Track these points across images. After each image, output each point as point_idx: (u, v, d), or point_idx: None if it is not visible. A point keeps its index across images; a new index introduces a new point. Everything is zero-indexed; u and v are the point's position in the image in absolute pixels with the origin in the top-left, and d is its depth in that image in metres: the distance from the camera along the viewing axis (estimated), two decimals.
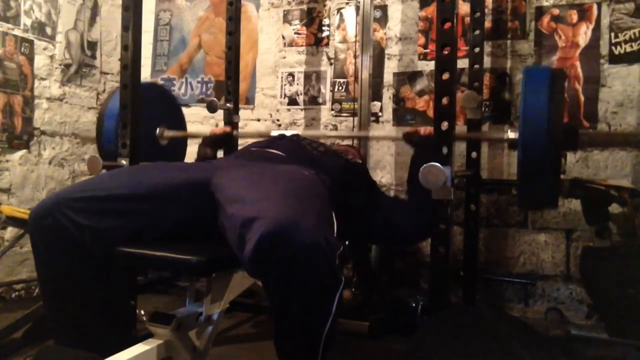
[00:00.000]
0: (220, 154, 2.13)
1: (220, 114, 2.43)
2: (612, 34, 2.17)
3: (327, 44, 2.70)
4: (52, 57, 2.64)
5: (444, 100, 1.42)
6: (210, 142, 1.96)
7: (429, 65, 2.44)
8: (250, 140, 2.02)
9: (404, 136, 1.67)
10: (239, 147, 2.33)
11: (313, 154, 1.60)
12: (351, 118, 2.60)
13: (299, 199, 1.09)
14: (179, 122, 2.29)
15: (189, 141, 2.35)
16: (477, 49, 2.18)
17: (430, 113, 2.34)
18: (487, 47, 2.33)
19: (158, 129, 2.09)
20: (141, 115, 1.81)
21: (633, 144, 2.02)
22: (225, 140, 2.05)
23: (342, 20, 2.67)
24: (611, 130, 2.17)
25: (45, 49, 2.60)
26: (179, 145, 2.29)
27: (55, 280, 1.23)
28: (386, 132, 2.54)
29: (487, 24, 2.31)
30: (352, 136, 2.53)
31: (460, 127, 2.19)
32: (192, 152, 2.94)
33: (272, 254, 0.94)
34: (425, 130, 1.61)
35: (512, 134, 1.42)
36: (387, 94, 2.56)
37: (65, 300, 1.24)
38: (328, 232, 1.05)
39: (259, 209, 1.01)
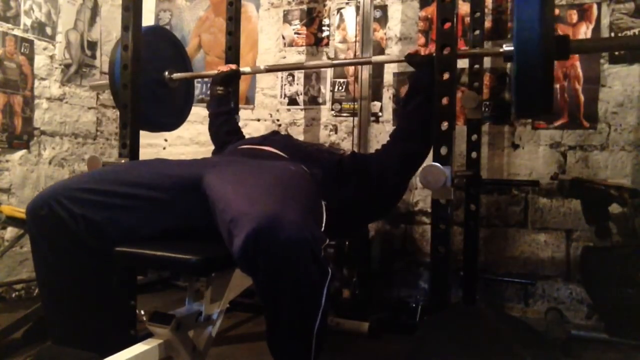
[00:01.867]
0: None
1: None
2: (612, 34, 2.17)
3: (327, 44, 2.70)
4: (52, 57, 2.64)
5: (444, 100, 1.42)
6: (219, 80, 2.02)
7: None
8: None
9: (407, 57, 1.68)
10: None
11: (307, 149, 1.60)
12: (351, 118, 2.60)
13: (285, 194, 1.10)
14: (185, 64, 2.30)
15: (189, 147, 2.35)
16: (477, 49, 2.17)
17: None
18: (487, 47, 2.32)
19: (166, 72, 2.11)
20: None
21: (624, 46, 1.98)
22: (233, 77, 2.08)
23: (342, 20, 2.67)
24: (610, 133, 2.17)
25: (45, 49, 2.60)
26: (188, 86, 2.33)
27: (53, 276, 1.23)
28: (389, 57, 2.51)
29: (487, 24, 2.31)
30: (354, 62, 2.49)
31: (461, 127, 2.20)
32: (191, 152, 2.94)
33: (258, 250, 0.95)
34: (426, 50, 1.65)
35: (507, 47, 1.45)
36: (387, 94, 2.56)
37: (64, 299, 1.23)
38: (313, 225, 1.06)
39: (246, 205, 1.01)
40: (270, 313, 1.06)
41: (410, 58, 1.66)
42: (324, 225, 1.20)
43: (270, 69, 2.16)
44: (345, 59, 2.64)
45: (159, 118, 2.16)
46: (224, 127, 2.01)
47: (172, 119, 2.28)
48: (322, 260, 1.01)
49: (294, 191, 1.15)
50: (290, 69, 2.71)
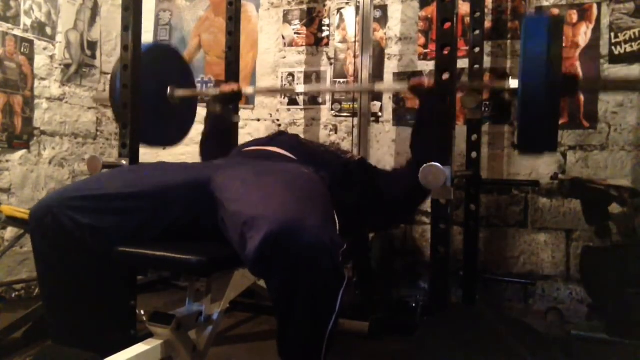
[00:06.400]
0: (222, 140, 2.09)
1: None
2: (612, 34, 2.17)
3: (327, 44, 2.70)
4: (52, 57, 2.63)
5: None
6: (220, 99, 2.00)
7: (429, 65, 2.44)
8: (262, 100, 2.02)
9: (410, 87, 1.69)
10: (239, 143, 2.35)
11: (314, 151, 1.60)
12: (351, 118, 2.60)
13: (302, 198, 1.09)
14: (189, 82, 2.28)
15: (189, 147, 2.35)
16: (477, 49, 2.18)
17: None
18: (487, 47, 2.33)
19: (169, 89, 2.08)
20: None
21: (630, 87, 2.01)
22: (234, 98, 2.07)
23: (342, 20, 2.67)
24: (610, 133, 2.17)
25: (45, 49, 2.60)
26: (189, 106, 2.31)
27: (55, 279, 1.23)
28: (391, 85, 2.53)
29: (487, 24, 2.31)
30: (355, 90, 2.49)
31: (461, 127, 2.20)
32: (191, 152, 2.94)
33: (276, 253, 0.94)
34: (429, 81, 1.62)
35: (513, 82, 1.44)
36: (387, 94, 2.56)
37: (65, 299, 1.24)
38: (332, 230, 1.06)
39: (262, 208, 1.01)
40: (283, 316, 1.05)
41: (414, 89, 1.68)
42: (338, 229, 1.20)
43: (271, 90, 2.14)
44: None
45: (160, 134, 2.14)
46: (217, 150, 1.88)
47: (172, 135, 2.26)
48: (340, 265, 1.01)
49: (310, 195, 1.15)
50: (288, 90, 2.68)
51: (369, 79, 2.35)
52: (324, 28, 2.70)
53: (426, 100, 1.61)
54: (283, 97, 2.77)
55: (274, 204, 1.02)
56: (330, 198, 1.23)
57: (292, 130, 2.72)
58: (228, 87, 2.01)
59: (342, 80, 2.65)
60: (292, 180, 1.21)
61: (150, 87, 1.96)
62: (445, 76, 1.42)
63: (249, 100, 2.83)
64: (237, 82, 2.36)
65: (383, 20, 2.57)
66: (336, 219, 1.16)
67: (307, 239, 0.94)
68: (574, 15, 2.24)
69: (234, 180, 1.20)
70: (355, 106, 2.53)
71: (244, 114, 2.67)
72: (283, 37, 2.78)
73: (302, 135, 2.68)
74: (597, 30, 2.20)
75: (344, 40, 2.66)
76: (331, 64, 2.68)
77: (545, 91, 1.29)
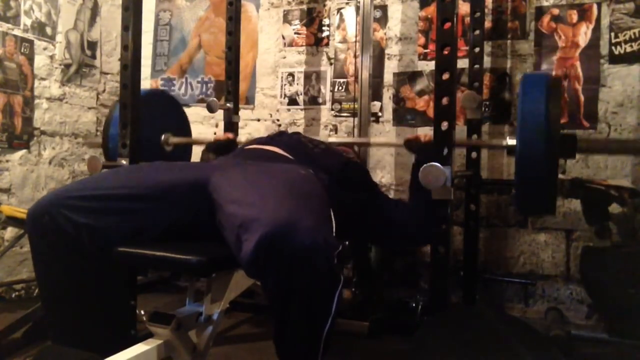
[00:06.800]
0: None
1: (220, 113, 2.43)
2: (612, 34, 2.17)
3: (327, 44, 2.70)
4: (52, 57, 2.63)
5: (444, 100, 1.42)
6: (214, 148, 1.96)
7: (429, 65, 2.44)
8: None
9: (405, 143, 1.68)
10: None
11: (313, 151, 1.60)
12: (351, 118, 2.60)
13: (297, 199, 1.09)
14: (184, 129, 2.31)
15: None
16: (477, 49, 2.18)
17: (430, 113, 2.34)
18: (487, 47, 2.33)
19: (163, 136, 2.11)
20: (141, 115, 1.82)
21: (632, 150, 2.04)
22: (228, 146, 2.06)
23: (342, 20, 2.67)
24: (610, 133, 2.17)
25: (45, 49, 2.60)
26: (184, 151, 2.32)
27: (53, 279, 1.23)
28: (387, 137, 2.54)
29: (487, 24, 2.32)
30: (352, 142, 2.51)
31: (461, 127, 2.19)
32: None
33: (270, 256, 0.94)
34: (425, 136, 1.62)
35: (510, 141, 1.42)
36: (387, 94, 2.56)
37: (64, 300, 1.23)
38: (327, 231, 1.05)
39: (257, 209, 1.01)
40: (279, 317, 1.05)
41: (409, 144, 1.67)
42: (334, 231, 1.19)
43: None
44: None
45: None
46: None
47: None
48: (335, 267, 1.00)
49: (306, 196, 1.14)
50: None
51: (369, 79, 2.35)
52: (324, 28, 2.70)
53: (422, 155, 1.59)
54: (283, 97, 2.77)
55: (269, 206, 1.02)
56: (327, 199, 1.23)
57: (291, 131, 2.72)
58: (223, 136, 2.02)
59: (342, 80, 2.65)
60: (288, 181, 1.21)
61: (145, 135, 1.94)
62: (445, 76, 1.42)
63: (249, 100, 2.83)
64: (237, 82, 2.36)
65: (383, 20, 2.58)
66: (333, 220, 1.16)
67: (301, 240, 0.94)
68: (574, 15, 2.24)
69: (231, 181, 1.20)
70: (355, 106, 2.53)
71: (244, 114, 2.67)
72: (283, 37, 2.78)
73: None
74: (597, 30, 2.20)
75: (344, 40, 2.66)
76: (331, 64, 2.68)
77: (543, 153, 1.27)
